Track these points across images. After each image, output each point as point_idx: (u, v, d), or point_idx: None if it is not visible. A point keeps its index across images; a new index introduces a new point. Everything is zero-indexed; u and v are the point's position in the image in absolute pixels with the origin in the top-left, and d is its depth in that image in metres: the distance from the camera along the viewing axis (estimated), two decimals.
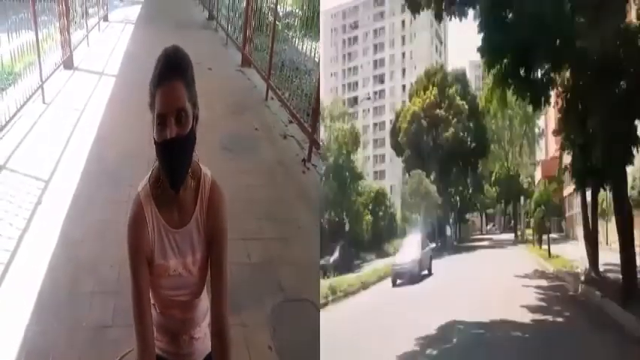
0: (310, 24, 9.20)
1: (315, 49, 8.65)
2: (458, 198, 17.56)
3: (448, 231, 17.97)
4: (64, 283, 4.07)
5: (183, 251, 2.10)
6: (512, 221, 17.49)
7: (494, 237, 18.57)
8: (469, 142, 16.81)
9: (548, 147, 16.03)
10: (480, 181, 17.88)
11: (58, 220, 4.88)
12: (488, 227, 20.23)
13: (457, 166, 17.05)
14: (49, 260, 4.31)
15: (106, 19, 14.44)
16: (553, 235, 12.96)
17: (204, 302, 2.33)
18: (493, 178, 17.58)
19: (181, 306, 2.26)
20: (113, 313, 3.74)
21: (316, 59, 8.55)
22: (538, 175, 16.69)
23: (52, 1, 9.55)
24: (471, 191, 18.03)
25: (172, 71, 1.85)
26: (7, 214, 4.97)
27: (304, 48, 8.77)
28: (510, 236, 17.49)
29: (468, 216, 19.16)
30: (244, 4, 11.13)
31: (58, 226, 4.79)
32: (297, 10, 10.82)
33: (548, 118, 16.05)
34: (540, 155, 18.07)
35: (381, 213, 17.55)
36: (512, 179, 17.15)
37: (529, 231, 15.99)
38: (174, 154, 1.90)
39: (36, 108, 7.78)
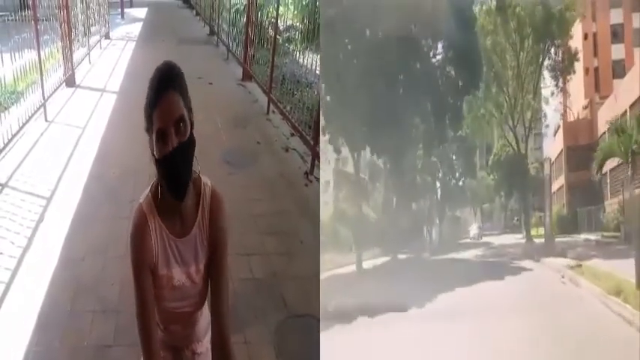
0: (311, 37, 9.23)
1: (316, 62, 8.67)
2: (438, 183, 11.09)
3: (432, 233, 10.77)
4: (66, 301, 4.03)
5: (187, 260, 2.09)
6: (517, 218, 11.62)
7: (493, 240, 11.57)
8: (445, 63, 9.40)
9: (574, 96, 10.07)
10: (470, 154, 11.17)
11: (59, 238, 4.85)
12: (472, 233, 11.61)
13: (419, 112, 9.31)
14: (50, 278, 4.28)
15: (107, 36, 14.56)
16: (587, 237, 8.03)
17: (206, 317, 2.32)
18: (491, 161, 11.40)
19: (184, 320, 2.25)
20: (115, 332, 3.69)
21: (317, 72, 8.58)
22: (555, 148, 10.17)
23: (55, 21, 9.65)
24: (457, 174, 11.29)
25: (166, 84, 1.86)
26: (9, 232, 4.96)
27: (305, 61, 8.79)
28: (515, 239, 10.70)
29: (458, 213, 12.17)
30: (245, 19, 11.20)
31: (59, 244, 4.76)
32: (297, 24, 10.88)
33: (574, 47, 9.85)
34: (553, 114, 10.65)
35: None
36: (517, 160, 10.45)
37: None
38: (177, 163, 1.89)
39: (38, 126, 7.82)
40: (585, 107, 10.07)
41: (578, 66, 10.11)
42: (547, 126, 10.51)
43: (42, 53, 8.32)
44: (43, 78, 8.30)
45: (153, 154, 1.91)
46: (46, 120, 8.11)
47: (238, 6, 13.19)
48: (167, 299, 2.14)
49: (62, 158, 6.63)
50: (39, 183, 5.92)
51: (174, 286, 2.10)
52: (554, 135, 10.58)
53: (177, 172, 1.91)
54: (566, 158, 9.45)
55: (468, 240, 11.13)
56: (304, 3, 11.06)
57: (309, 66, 8.70)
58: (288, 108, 8.34)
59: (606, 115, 8.66)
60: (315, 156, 6.77)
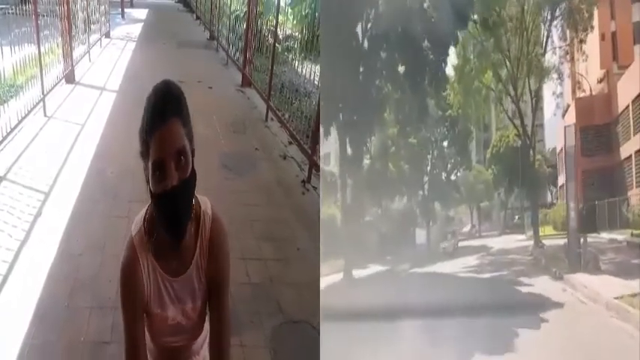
0: (310, 47, 9.34)
1: (315, 72, 8.77)
2: (426, 177, 8.85)
3: (420, 236, 8.64)
4: (63, 296, 4.04)
5: (183, 299, 1.97)
6: (518, 217, 9.38)
7: (491, 243, 9.04)
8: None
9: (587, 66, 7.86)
10: (464, 140, 8.98)
11: (57, 233, 4.87)
12: (444, 245, 8.71)
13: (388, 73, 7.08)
14: (47, 273, 4.29)
15: (107, 35, 14.54)
16: (614, 237, 6.20)
17: (204, 332, 2.26)
18: (489, 154, 9.32)
19: (179, 351, 2.19)
20: (112, 329, 3.70)
21: (315, 82, 8.68)
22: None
23: (55, 17, 9.66)
24: (449, 166, 9.08)
25: (166, 108, 1.68)
26: (7, 225, 4.96)
27: (304, 71, 8.89)
28: (518, 242, 8.31)
29: (452, 212, 9.73)
30: (244, 26, 11.30)
31: (57, 239, 4.78)
32: (296, 34, 10.99)
33: None
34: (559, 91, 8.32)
35: None
36: (520, 146, 8.42)
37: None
38: (177, 203, 1.74)
39: (37, 120, 7.81)
40: (601, 80, 7.94)
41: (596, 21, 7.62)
42: (560, 95, 8.35)
43: (42, 48, 8.31)
44: (43, 73, 8.30)
45: (147, 183, 1.76)
46: (45, 115, 8.10)
47: (238, 12, 13.29)
48: (162, 334, 2.08)
49: (61, 154, 6.63)
50: (37, 177, 5.93)
51: (169, 325, 2.01)
52: (563, 115, 8.34)
53: (177, 212, 1.76)
54: (579, 141, 7.24)
55: (461, 243, 8.80)
56: (303, 14, 11.20)
57: (307, 75, 8.80)
58: (287, 116, 8.41)
59: (627, 87, 6.97)
60: (313, 165, 6.84)
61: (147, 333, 2.04)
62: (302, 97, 8.80)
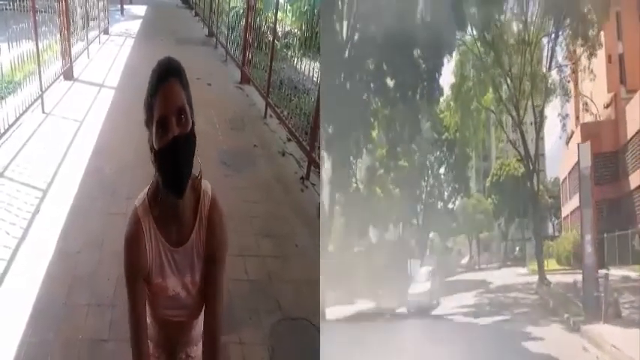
0: (309, 44, 9.32)
1: (314, 69, 8.75)
2: (420, 205, 8.15)
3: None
4: (61, 294, 4.03)
5: (182, 270, 2.06)
6: (518, 248, 8.80)
7: (491, 278, 8.02)
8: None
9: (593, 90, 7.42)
10: (462, 166, 8.38)
11: (55, 231, 4.86)
12: (416, 290, 6.88)
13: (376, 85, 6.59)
14: (45, 270, 4.28)
15: (106, 32, 14.50)
16: (627, 274, 5.65)
17: (202, 323, 2.30)
18: (489, 182, 8.74)
19: (179, 326, 2.27)
20: (110, 326, 3.70)
21: (314, 79, 8.66)
22: (568, 160, 7.55)
23: (53, 13, 9.62)
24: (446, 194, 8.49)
25: (168, 73, 1.84)
26: (4, 222, 4.95)
27: (303, 68, 8.86)
28: (518, 276, 7.72)
29: (450, 243, 9.02)
30: (243, 23, 11.26)
31: (55, 237, 4.76)
32: (295, 31, 10.97)
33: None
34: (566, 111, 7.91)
35: None
36: (523, 174, 7.86)
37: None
38: (178, 153, 1.83)
39: (35, 117, 7.80)
40: (608, 105, 7.38)
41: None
42: (565, 116, 7.77)
43: (40, 44, 8.29)
44: (41, 69, 8.27)
45: (152, 149, 1.87)
46: (43, 112, 8.08)
47: (237, 9, 13.27)
48: (163, 307, 2.15)
49: (59, 151, 6.62)
50: (35, 174, 5.92)
51: (169, 296, 2.10)
52: (567, 142, 7.80)
53: (178, 163, 1.84)
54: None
55: (458, 277, 8.04)
56: (302, 10, 11.19)
57: (306, 72, 8.78)
58: (285, 113, 8.40)
59: (636, 112, 6.53)
60: (312, 162, 6.82)
61: (148, 309, 2.12)
62: (301, 94, 8.79)
